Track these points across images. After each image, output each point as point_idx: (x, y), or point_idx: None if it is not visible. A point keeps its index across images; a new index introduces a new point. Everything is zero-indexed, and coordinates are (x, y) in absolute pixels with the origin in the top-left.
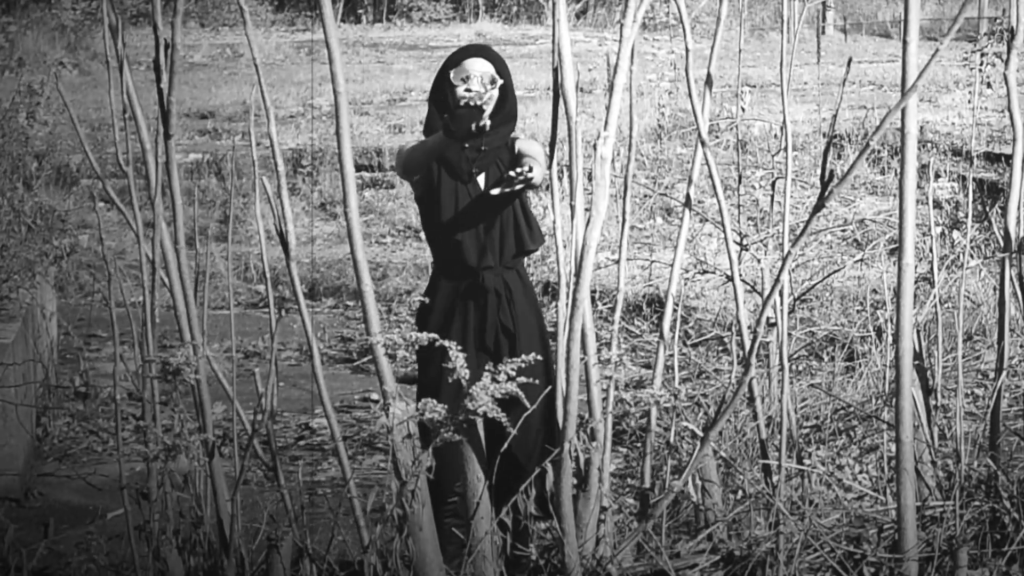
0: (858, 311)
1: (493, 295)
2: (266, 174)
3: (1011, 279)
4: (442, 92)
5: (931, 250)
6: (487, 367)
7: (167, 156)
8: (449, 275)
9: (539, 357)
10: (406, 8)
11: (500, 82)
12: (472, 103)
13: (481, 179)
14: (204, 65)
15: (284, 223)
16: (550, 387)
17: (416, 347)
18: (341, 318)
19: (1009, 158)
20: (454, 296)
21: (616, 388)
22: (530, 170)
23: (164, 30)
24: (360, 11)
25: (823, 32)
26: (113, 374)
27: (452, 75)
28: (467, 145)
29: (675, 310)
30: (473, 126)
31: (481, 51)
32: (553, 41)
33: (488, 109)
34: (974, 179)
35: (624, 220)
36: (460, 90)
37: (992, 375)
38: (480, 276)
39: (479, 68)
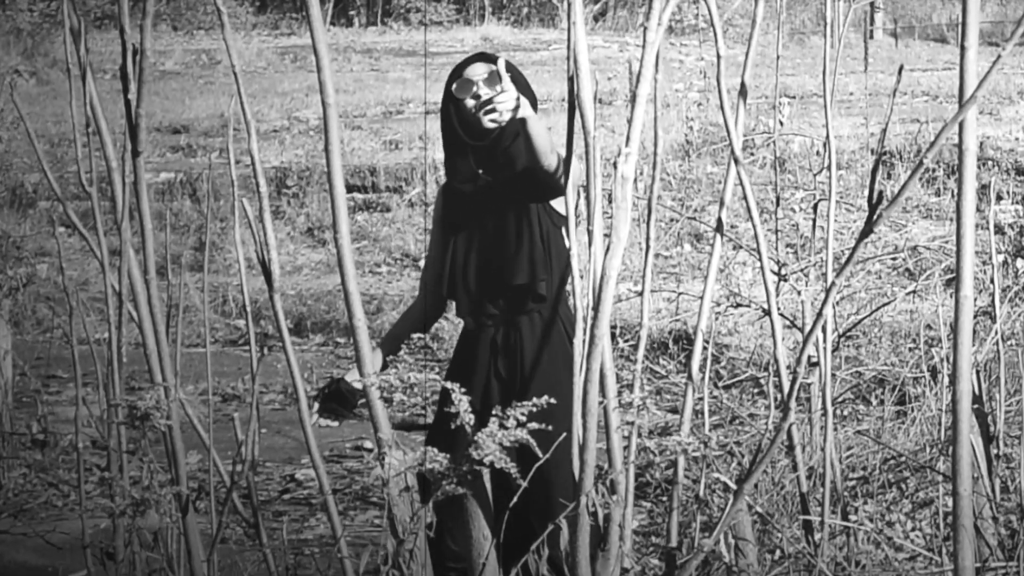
0: (910, 349)
1: (496, 347)
2: (246, 195)
3: None
4: (449, 116)
5: (992, 281)
6: (494, 412)
7: (135, 175)
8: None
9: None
10: (403, 10)
11: (509, 74)
12: (488, 108)
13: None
14: (177, 73)
15: (267, 250)
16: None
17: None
18: (331, 357)
19: None
20: (467, 346)
21: (639, 435)
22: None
23: (132, 34)
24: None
25: (871, 36)
26: (75, 420)
27: (455, 89)
28: (481, 171)
29: (705, 348)
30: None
31: (478, 57)
32: (569, 46)
33: (505, 105)
34: None
35: (648, 247)
36: (468, 101)
37: None
38: (483, 323)
39: (480, 72)
